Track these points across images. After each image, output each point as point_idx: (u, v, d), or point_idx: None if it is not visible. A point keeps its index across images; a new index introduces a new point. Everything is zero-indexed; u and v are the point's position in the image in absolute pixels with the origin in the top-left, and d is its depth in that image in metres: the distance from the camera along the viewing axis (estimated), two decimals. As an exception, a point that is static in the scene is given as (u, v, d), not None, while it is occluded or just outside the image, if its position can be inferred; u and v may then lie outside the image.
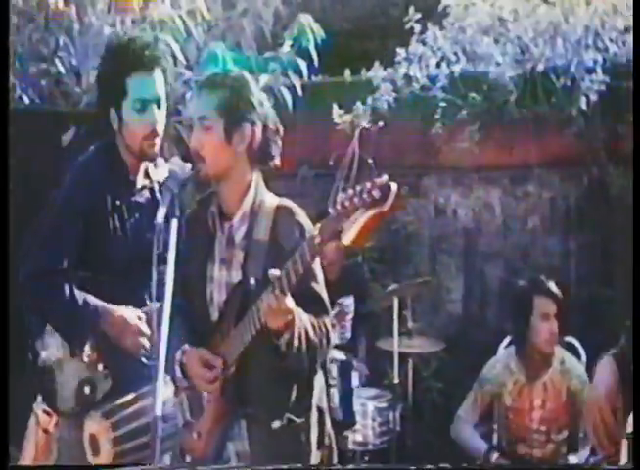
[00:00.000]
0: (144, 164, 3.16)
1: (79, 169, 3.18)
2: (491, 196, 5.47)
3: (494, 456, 4.30)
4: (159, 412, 2.30)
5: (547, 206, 5.30)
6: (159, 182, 3.14)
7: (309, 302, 2.70)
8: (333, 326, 2.96)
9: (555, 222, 5.30)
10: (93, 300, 3.04)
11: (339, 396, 3.34)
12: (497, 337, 4.90)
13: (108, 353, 3.08)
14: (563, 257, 5.27)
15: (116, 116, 3.05)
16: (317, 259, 2.65)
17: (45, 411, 3.32)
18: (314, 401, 2.86)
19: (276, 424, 2.74)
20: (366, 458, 4.88)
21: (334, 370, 4.16)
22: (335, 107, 5.35)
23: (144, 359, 3.08)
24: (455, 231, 5.56)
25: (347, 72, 5.60)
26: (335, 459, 2.99)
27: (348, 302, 5.06)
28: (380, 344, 5.05)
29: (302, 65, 5.23)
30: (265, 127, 2.74)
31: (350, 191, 2.25)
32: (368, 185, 2.22)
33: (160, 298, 2.45)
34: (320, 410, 2.88)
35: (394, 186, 2.20)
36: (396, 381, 4.88)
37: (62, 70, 5.42)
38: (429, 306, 5.53)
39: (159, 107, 3.04)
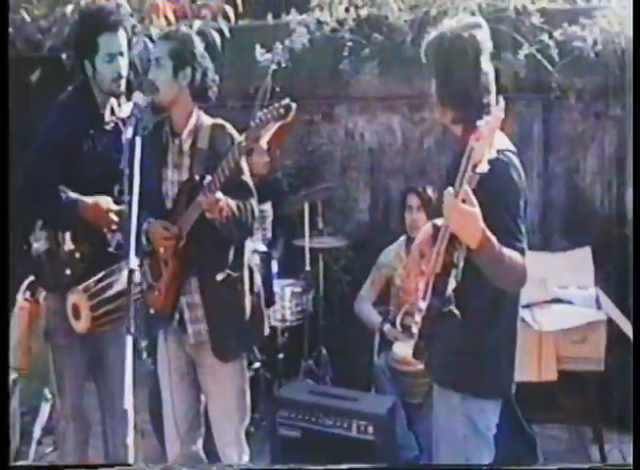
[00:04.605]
0: (110, 103, 3.90)
1: (60, 106, 3.86)
2: (392, 121, 5.94)
3: (386, 327, 5.00)
4: (133, 265, 2.84)
5: (440, 129, 5.63)
6: (121, 117, 3.89)
7: (240, 188, 3.55)
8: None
9: (446, 143, 5.66)
10: (72, 194, 3.73)
11: (261, 280, 3.87)
12: (396, 239, 5.41)
13: (83, 244, 3.80)
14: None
15: (90, 65, 3.78)
16: (244, 158, 3.43)
17: (26, 299, 4.09)
18: (245, 261, 3.68)
19: (219, 276, 3.55)
20: (285, 335, 5.41)
21: (257, 259, 4.51)
22: (257, 47, 5.83)
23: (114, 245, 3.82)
24: (362, 151, 6.02)
25: (270, 17, 5.99)
26: (263, 303, 3.76)
27: (266, 207, 5.53)
28: (295, 242, 5.58)
29: (230, 11, 5.86)
30: (205, 74, 3.57)
31: (264, 110, 3.19)
32: (276, 105, 3.17)
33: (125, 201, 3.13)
34: (250, 267, 3.70)
35: (294, 105, 3.14)
36: (308, 269, 5.42)
37: (27, 18, 5.90)
38: (340, 215, 6.05)
39: (122, 57, 3.79)
